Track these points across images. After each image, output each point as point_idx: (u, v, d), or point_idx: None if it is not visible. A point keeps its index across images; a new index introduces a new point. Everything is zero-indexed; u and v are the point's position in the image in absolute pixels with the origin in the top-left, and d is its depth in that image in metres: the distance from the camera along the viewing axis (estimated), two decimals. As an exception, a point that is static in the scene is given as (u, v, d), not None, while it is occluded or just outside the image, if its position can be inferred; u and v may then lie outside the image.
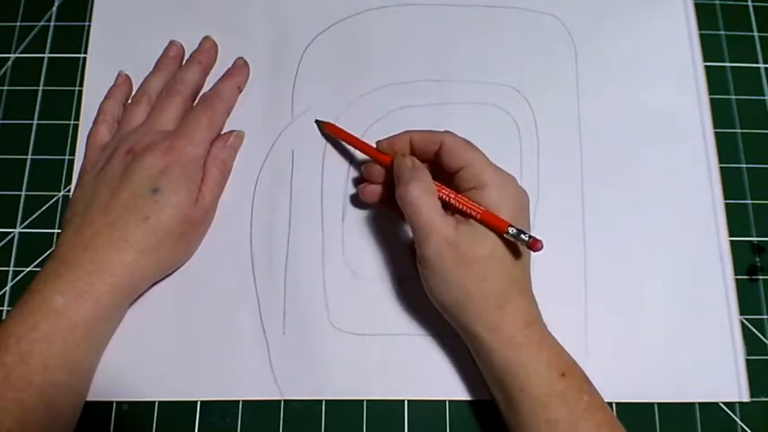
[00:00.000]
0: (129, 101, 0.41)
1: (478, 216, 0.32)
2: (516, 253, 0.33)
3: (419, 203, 0.32)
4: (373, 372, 0.37)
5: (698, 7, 0.45)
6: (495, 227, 0.32)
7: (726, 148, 0.42)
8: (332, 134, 0.40)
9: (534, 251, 0.31)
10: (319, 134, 0.41)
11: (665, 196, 0.41)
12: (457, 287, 0.32)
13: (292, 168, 0.40)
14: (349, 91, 0.42)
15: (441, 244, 0.32)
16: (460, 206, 0.33)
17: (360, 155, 0.40)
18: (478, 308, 0.32)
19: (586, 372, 0.33)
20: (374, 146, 0.37)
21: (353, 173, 0.41)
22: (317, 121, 0.41)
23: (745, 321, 0.39)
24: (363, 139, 0.39)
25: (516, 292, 0.33)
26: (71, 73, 0.42)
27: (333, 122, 0.40)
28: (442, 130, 0.35)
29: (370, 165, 0.38)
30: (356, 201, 0.40)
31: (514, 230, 0.31)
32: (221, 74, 0.42)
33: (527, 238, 0.31)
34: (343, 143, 0.40)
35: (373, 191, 0.38)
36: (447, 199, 0.33)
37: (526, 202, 0.34)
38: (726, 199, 0.41)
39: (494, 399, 0.35)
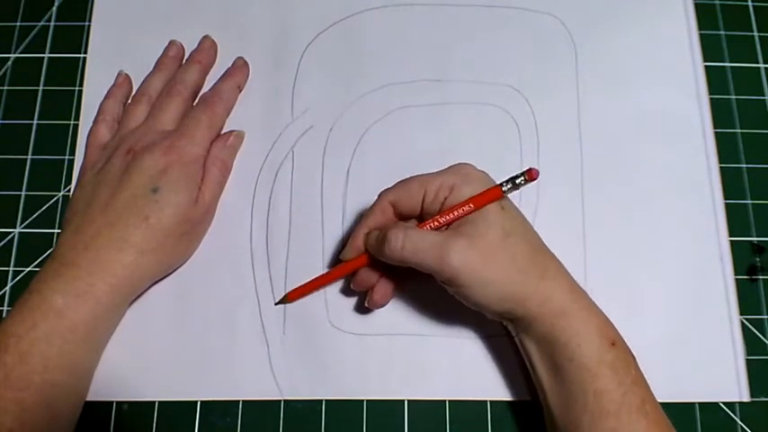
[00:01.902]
0: (130, 100, 0.41)
1: (472, 206, 0.32)
2: (520, 219, 0.33)
3: (411, 243, 0.31)
4: (373, 372, 0.37)
5: (698, 7, 0.45)
6: (492, 198, 0.31)
7: (726, 148, 0.42)
8: (300, 295, 0.37)
9: (534, 179, 0.30)
10: (319, 134, 0.41)
11: (665, 196, 0.41)
12: (497, 283, 0.31)
13: (292, 168, 0.40)
14: (349, 91, 0.42)
15: (459, 256, 0.31)
16: (450, 216, 0.32)
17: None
18: (524, 289, 0.31)
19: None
20: (342, 263, 0.36)
21: (353, 173, 0.40)
22: (277, 303, 0.38)
23: (745, 321, 0.39)
24: (326, 271, 0.38)
25: (545, 256, 0.33)
26: (71, 73, 0.42)
27: (290, 290, 0.38)
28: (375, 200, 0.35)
29: (357, 278, 0.36)
30: (356, 201, 0.40)
31: (508, 184, 0.31)
32: (221, 74, 0.42)
33: (522, 175, 0.30)
34: (320, 287, 0.38)
35: (381, 292, 0.35)
36: (436, 224, 0.33)
37: (488, 175, 0.34)
38: (726, 199, 0.41)
39: (532, 373, 0.34)
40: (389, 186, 0.35)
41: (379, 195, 0.35)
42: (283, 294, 0.38)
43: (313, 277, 0.37)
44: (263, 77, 0.42)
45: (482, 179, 0.33)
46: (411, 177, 0.34)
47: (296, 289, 0.37)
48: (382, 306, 0.36)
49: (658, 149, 0.41)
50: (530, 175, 0.30)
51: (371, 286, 0.36)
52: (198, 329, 0.37)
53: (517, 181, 0.31)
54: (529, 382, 0.36)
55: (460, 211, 0.32)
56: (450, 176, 0.33)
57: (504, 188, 0.31)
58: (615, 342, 0.32)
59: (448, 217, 0.32)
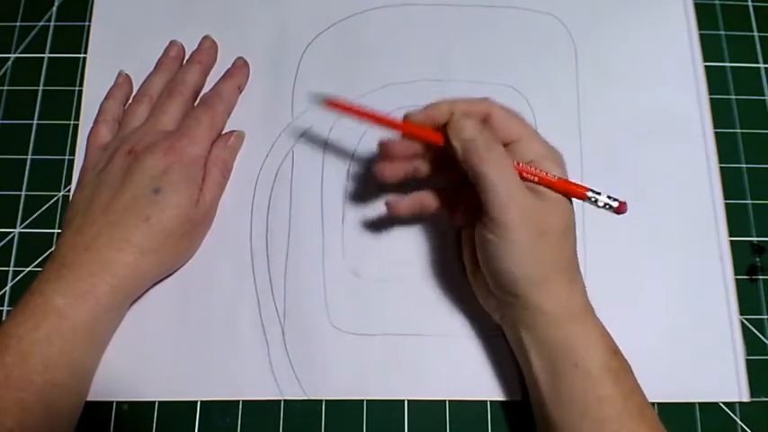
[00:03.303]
0: (130, 101, 0.41)
1: (556, 184, 0.31)
2: (575, 228, 0.33)
3: (501, 174, 0.30)
4: (373, 372, 0.37)
5: (698, 7, 0.45)
6: (575, 194, 0.31)
7: (726, 148, 0.42)
8: (337, 111, 0.34)
9: (620, 214, 0.30)
10: (319, 134, 0.41)
11: (665, 196, 0.41)
12: (533, 260, 0.31)
13: (292, 168, 0.40)
14: (349, 91, 0.42)
15: (521, 215, 0.30)
16: (534, 177, 0.31)
17: (360, 149, 0.40)
18: (553, 282, 0.31)
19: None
20: (413, 125, 0.33)
21: (354, 173, 0.40)
22: (317, 97, 0.34)
23: (745, 321, 0.39)
24: (387, 115, 0.33)
25: (578, 265, 0.33)
26: (71, 73, 0.42)
27: (333, 98, 0.34)
28: (479, 97, 0.33)
29: (391, 141, 0.34)
30: (356, 201, 0.40)
31: (594, 195, 0.31)
32: (221, 74, 0.42)
33: (614, 203, 0.30)
34: (359, 120, 0.34)
35: (396, 169, 0.34)
36: (535, 175, 0.32)
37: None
38: (726, 199, 0.41)
39: (526, 375, 0.34)
40: (499, 104, 0.33)
41: (485, 100, 0.33)
42: (329, 99, 0.34)
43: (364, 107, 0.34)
44: (263, 77, 0.42)
45: (565, 169, 0.33)
46: (523, 121, 0.33)
47: (340, 102, 0.33)
48: (399, 214, 0.35)
49: (658, 149, 0.41)
50: (620, 207, 0.30)
51: (394, 159, 0.34)
52: (198, 329, 0.37)
53: (609, 200, 0.31)
54: (529, 382, 0.37)
55: (545, 180, 0.31)
56: (545, 149, 0.32)
57: (589, 195, 0.31)
58: (617, 351, 0.32)
59: (532, 176, 0.31)
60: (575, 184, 0.32)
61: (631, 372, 0.32)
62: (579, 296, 0.33)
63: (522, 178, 0.31)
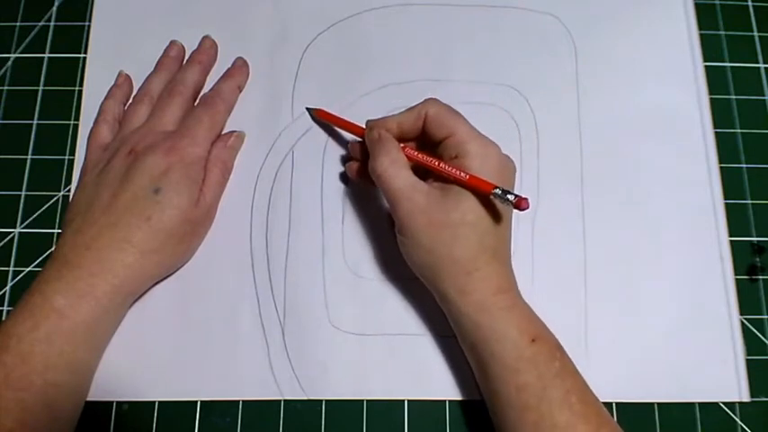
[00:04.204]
0: (131, 101, 0.41)
1: (466, 180, 0.32)
2: (492, 221, 0.33)
3: (387, 175, 0.33)
4: (373, 372, 0.37)
5: (698, 7, 0.45)
6: (481, 189, 0.32)
7: (726, 148, 0.42)
8: (322, 120, 0.41)
9: (520, 210, 0.31)
10: (319, 134, 0.41)
11: (664, 196, 0.41)
12: (427, 251, 0.33)
13: (292, 168, 0.40)
14: (349, 91, 0.42)
15: (411, 210, 0.32)
16: (445, 173, 0.33)
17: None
18: (449, 271, 0.32)
19: (586, 372, 0.33)
20: (363, 126, 0.37)
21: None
22: (307, 109, 0.41)
23: (745, 321, 0.39)
24: (352, 121, 0.39)
25: (488, 259, 0.33)
26: (71, 73, 0.42)
27: (320, 109, 0.41)
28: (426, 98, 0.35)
29: (354, 143, 0.39)
30: (356, 201, 0.40)
31: (500, 191, 0.31)
32: (221, 74, 0.42)
33: (512, 198, 0.31)
34: (337, 128, 0.41)
35: (356, 167, 0.38)
36: (432, 166, 0.33)
37: (511, 170, 0.34)
38: (726, 199, 0.41)
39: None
40: (439, 102, 0.35)
41: (427, 100, 0.35)
42: (315, 108, 0.41)
43: (339, 116, 0.40)
44: (263, 78, 0.42)
45: (495, 164, 0.33)
46: (456, 116, 0.34)
47: (325, 112, 0.40)
48: (351, 178, 0.39)
49: (658, 149, 0.41)
50: (518, 203, 0.30)
51: (357, 159, 0.39)
52: (198, 329, 0.37)
53: (508, 196, 0.31)
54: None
55: (455, 176, 0.32)
56: (472, 143, 0.33)
57: (494, 191, 0.31)
58: (536, 338, 0.32)
59: (443, 172, 0.33)
60: (481, 181, 0.32)
61: (558, 356, 0.32)
62: (479, 289, 0.32)
63: (437, 174, 0.33)
